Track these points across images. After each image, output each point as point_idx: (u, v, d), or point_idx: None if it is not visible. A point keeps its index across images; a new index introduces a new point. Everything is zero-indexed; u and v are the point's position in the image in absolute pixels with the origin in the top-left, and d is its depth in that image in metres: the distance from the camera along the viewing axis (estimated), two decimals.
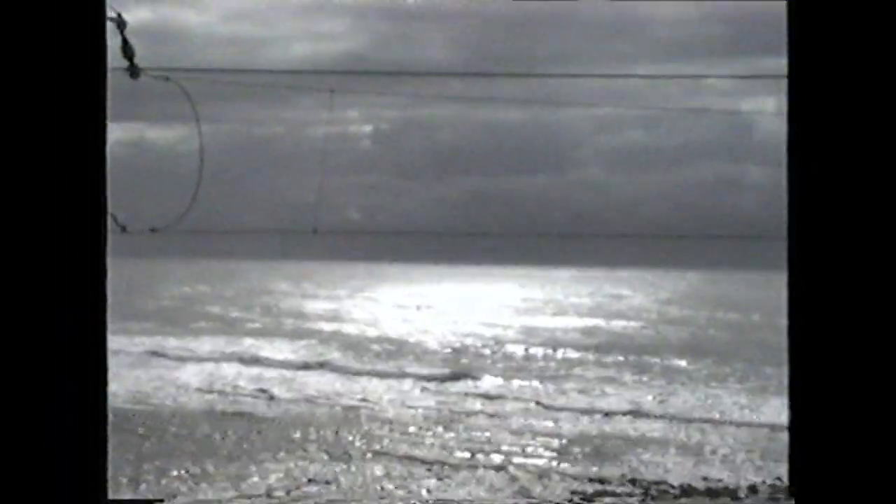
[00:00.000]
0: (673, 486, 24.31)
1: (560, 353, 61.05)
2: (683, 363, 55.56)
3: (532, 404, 39.43)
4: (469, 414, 36.40)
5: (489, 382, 46.16)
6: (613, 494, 23.46)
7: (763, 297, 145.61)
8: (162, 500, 13.09)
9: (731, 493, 23.99)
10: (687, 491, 23.90)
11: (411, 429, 33.12)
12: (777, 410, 38.17)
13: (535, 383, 45.99)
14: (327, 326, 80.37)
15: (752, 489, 24.44)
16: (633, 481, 24.92)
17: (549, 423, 34.60)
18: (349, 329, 78.43)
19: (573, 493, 23.65)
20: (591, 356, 59.38)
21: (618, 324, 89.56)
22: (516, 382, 46.17)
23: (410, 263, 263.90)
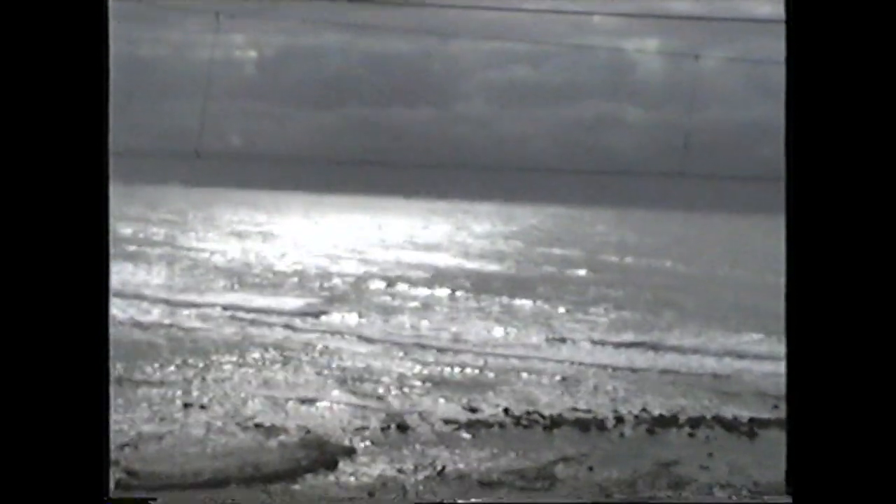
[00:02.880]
0: (544, 416, 24.88)
1: (415, 290, 60.17)
2: (531, 301, 55.97)
3: (387, 338, 38.97)
4: (324, 348, 35.74)
5: (339, 317, 45.23)
6: (486, 424, 23.94)
7: (613, 231, 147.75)
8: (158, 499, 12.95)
9: (599, 423, 24.67)
10: (557, 421, 24.49)
11: (271, 357, 33.11)
12: (630, 350, 38.97)
13: (386, 318, 45.47)
14: (159, 251, 78.49)
15: (619, 419, 25.16)
16: (505, 411, 25.43)
17: (413, 358, 34.79)
18: (180, 255, 76.70)
19: (447, 421, 24.07)
20: (440, 291, 59.49)
21: (462, 260, 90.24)
22: (367, 317, 45.48)
23: (291, 191, 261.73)
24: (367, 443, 21.92)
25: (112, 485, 4.63)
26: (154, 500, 11.83)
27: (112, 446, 4.64)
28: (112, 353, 4.52)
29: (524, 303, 53.10)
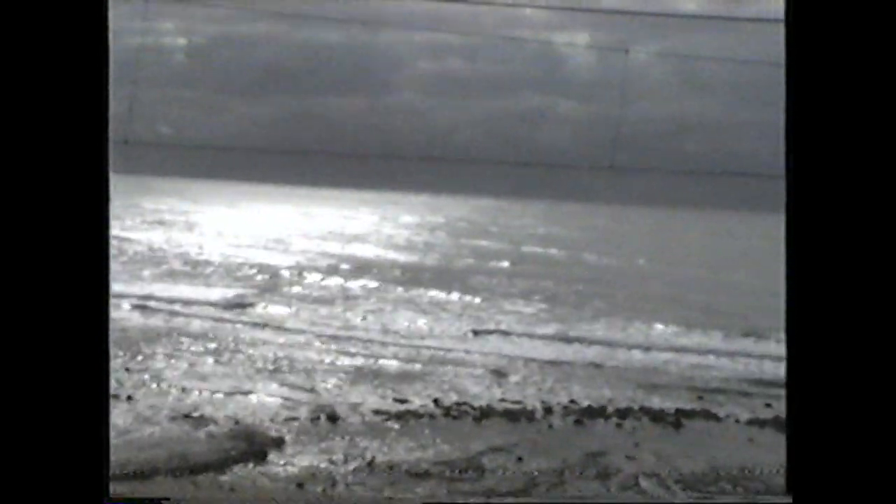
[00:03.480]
0: (473, 407, 25.01)
1: (342, 281, 59.91)
2: (457, 293, 56.15)
3: (316, 331, 38.78)
4: (251, 339, 35.46)
5: (266, 308, 44.65)
6: (416, 414, 24.03)
7: (540, 224, 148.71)
8: (168, 499, 12.79)
9: (528, 414, 24.86)
10: (486, 412, 24.64)
11: (198, 348, 32.96)
12: (557, 342, 39.24)
13: (314, 308, 45.19)
14: None
15: (548, 410, 25.37)
16: (435, 401, 25.54)
17: (342, 349, 34.78)
18: None
19: (376, 412, 24.13)
20: (367, 282, 59.48)
21: (378, 251, 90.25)
22: (294, 308, 45.11)
23: (220, 181, 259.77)
24: (297, 433, 21.92)
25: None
26: (158, 500, 11.80)
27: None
28: None
29: (450, 294, 53.25)
